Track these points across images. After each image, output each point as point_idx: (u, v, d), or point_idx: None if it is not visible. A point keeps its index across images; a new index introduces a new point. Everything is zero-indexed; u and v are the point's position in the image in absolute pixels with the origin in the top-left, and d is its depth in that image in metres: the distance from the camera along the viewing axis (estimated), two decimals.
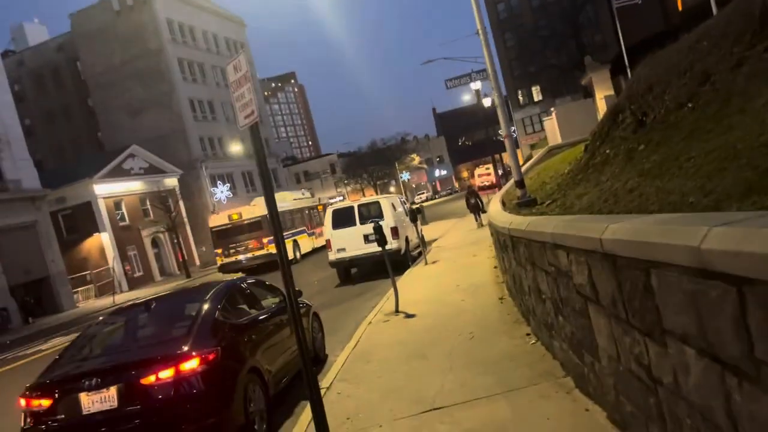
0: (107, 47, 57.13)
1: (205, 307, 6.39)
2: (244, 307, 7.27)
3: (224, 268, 29.67)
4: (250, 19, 74.24)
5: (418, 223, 18.94)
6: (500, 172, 41.22)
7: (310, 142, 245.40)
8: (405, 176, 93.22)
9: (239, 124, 4.56)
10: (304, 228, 33.54)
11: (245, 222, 29.50)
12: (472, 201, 25.27)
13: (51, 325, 29.82)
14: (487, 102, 33.56)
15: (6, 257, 34.21)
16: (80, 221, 44.61)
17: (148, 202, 48.03)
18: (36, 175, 38.76)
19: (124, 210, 46.59)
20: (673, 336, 2.66)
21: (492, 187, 52.99)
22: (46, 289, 37.78)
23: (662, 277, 2.62)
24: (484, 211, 24.62)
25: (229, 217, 30.30)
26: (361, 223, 17.12)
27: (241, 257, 29.26)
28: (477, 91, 29.38)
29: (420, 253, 18.87)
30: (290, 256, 29.91)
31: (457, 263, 15.41)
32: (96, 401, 5.29)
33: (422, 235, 19.62)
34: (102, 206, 44.42)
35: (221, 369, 5.67)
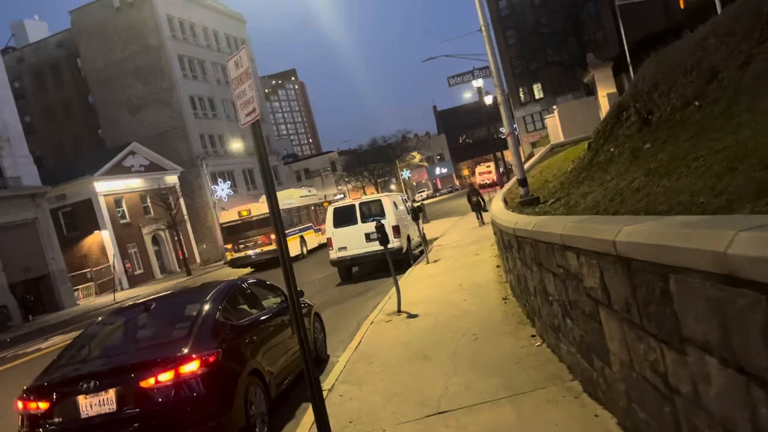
0: (107, 44, 57.00)
1: (206, 308, 6.29)
2: (245, 307, 7.17)
3: (234, 263, 30.72)
4: (250, 16, 74.11)
5: (420, 221, 18.83)
6: (501, 170, 41.07)
7: (310, 140, 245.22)
8: (406, 174, 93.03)
9: (240, 122, 4.45)
10: (311, 224, 33.97)
11: (254, 218, 30.28)
12: (474, 199, 25.15)
13: (51, 323, 29.76)
14: (488, 100, 33.44)
15: (6, 255, 34.12)
16: (80, 219, 44.55)
17: (148, 200, 47.97)
18: (36, 172, 38.66)
19: (124, 207, 46.53)
20: (693, 344, 2.55)
21: (493, 185, 52.86)
22: (46, 286, 37.69)
23: (682, 283, 2.51)
24: (486, 210, 24.52)
25: (239, 213, 31.03)
26: (363, 222, 17.02)
27: (250, 252, 30.04)
28: (479, 89, 29.24)
29: (421, 252, 18.77)
30: (297, 251, 30.73)
31: (459, 262, 15.29)
32: (94, 404, 5.19)
33: (424, 234, 19.50)
34: (102, 203, 44.34)
35: (222, 371, 5.57)
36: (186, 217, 51.56)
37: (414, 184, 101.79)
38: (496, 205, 12.33)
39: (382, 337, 9.05)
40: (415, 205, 21.77)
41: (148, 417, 5.14)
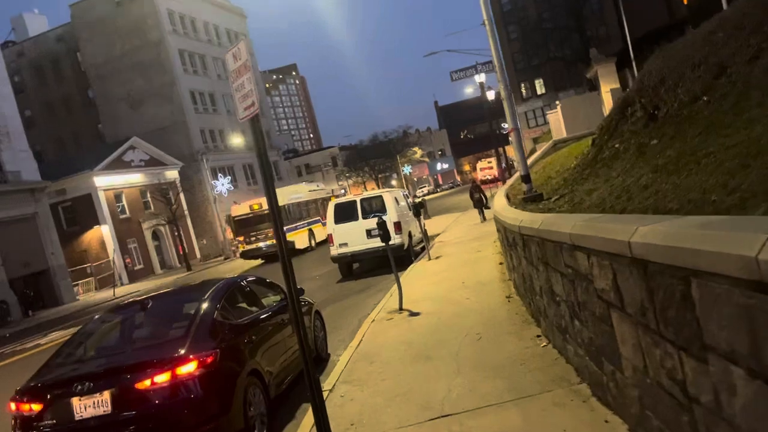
0: (107, 38, 56.74)
1: (204, 306, 6.14)
2: (244, 306, 7.03)
3: (245, 255, 31.73)
4: (251, 14, 73.75)
5: (421, 217, 18.69)
6: (503, 165, 40.90)
7: (311, 135, 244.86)
8: (407, 169, 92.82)
9: (239, 117, 4.30)
10: (319, 218, 34.41)
11: (265, 212, 30.62)
12: (477, 196, 25.02)
13: (51, 318, 29.68)
14: (490, 95, 33.24)
15: (5, 250, 34.00)
16: (80, 213, 44.43)
17: (148, 195, 47.85)
18: (36, 166, 38.51)
19: (124, 202, 46.41)
20: (716, 353, 2.41)
21: (494, 181, 52.72)
22: (45, 281, 37.59)
23: (706, 288, 2.37)
24: (488, 206, 24.37)
25: (250, 207, 31.83)
26: (364, 218, 16.88)
27: (261, 244, 30.80)
28: (481, 84, 29.04)
29: (423, 249, 18.63)
30: (306, 243, 31.75)
31: (462, 259, 15.15)
32: (89, 406, 5.05)
33: (425, 230, 19.36)
34: (102, 198, 44.21)
35: (220, 372, 5.43)
36: (186, 212, 51.41)
37: (415, 179, 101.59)
38: (498, 201, 12.18)
39: (383, 335, 8.91)
40: (417, 201, 21.61)
41: (144, 419, 5.01)
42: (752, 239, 1.99)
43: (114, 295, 35.52)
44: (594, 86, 32.09)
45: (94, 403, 5.04)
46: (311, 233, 32.62)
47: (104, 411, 5.01)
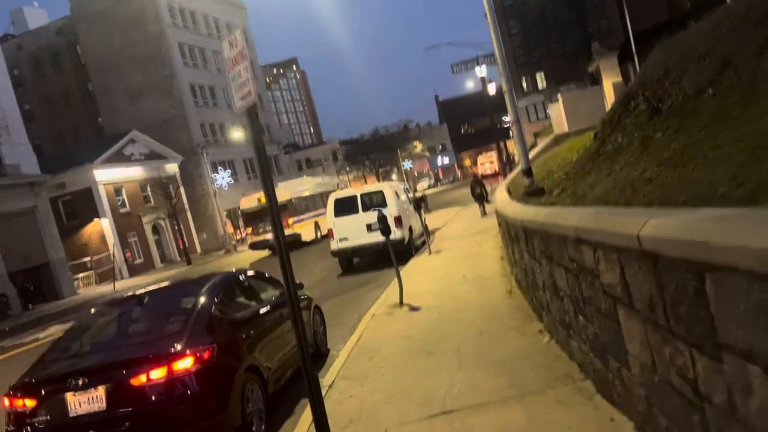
0: (107, 31, 56.53)
1: (201, 301, 6.03)
2: (243, 300, 6.93)
3: (254, 246, 32.58)
4: (251, 4, 73.43)
5: (422, 211, 18.57)
6: (504, 160, 40.75)
7: (311, 129, 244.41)
8: (407, 164, 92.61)
9: (235, 106, 4.19)
10: (324, 210, 34.56)
11: None
12: (477, 190, 24.93)
13: (50, 312, 29.62)
14: (491, 89, 33.08)
15: (5, 243, 33.91)
16: (80, 207, 44.31)
17: (148, 189, 47.71)
18: (35, 160, 38.39)
19: (124, 196, 46.28)
20: (731, 351, 2.30)
21: (495, 176, 52.60)
22: (45, 275, 37.52)
23: (721, 284, 2.26)
24: (489, 201, 24.27)
25: (258, 200, 32.45)
26: (364, 212, 16.76)
27: (269, 236, 31.20)
28: (482, 78, 28.88)
29: (423, 243, 18.53)
30: (312, 235, 32.53)
31: (462, 253, 15.05)
32: (83, 402, 4.95)
33: (426, 224, 19.26)
34: (102, 192, 44.08)
35: (217, 368, 5.33)
36: (186, 206, 51.32)
37: (415, 174, 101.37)
38: (500, 195, 12.08)
39: (383, 330, 8.82)
40: (417, 195, 21.50)
41: (139, 416, 4.91)
42: None
43: (114, 289, 35.47)
44: (596, 80, 31.93)
45: (88, 399, 4.94)
46: (317, 225, 33.17)
47: (99, 407, 4.92)
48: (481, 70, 25.20)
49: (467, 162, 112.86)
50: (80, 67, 60.33)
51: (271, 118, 78.58)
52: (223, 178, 51.88)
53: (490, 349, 6.62)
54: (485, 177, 51.76)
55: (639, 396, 3.59)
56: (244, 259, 35.04)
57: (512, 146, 55.58)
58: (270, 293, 7.70)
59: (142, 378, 4.96)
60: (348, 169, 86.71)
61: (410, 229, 18.03)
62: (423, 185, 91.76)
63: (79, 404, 4.95)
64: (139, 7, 55.74)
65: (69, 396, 4.98)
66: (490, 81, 32.25)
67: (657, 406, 3.32)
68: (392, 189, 17.72)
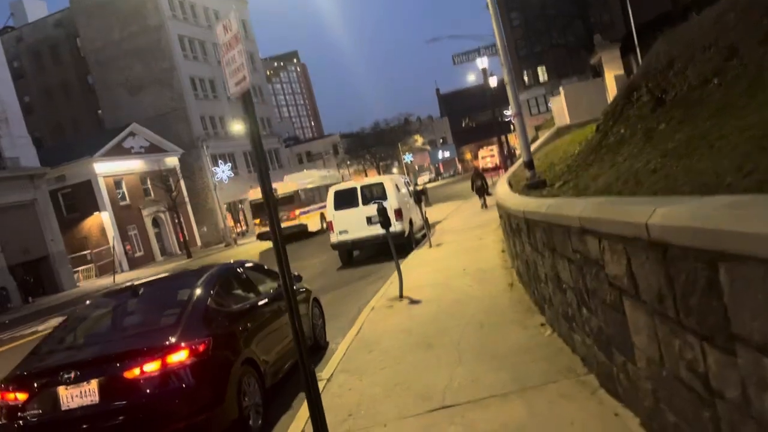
0: (107, 23, 56.27)
1: (197, 293, 5.92)
2: (240, 292, 6.82)
3: (262, 236, 33.25)
4: (252, 7, 72.98)
5: (422, 204, 18.45)
6: (505, 153, 40.60)
7: (312, 123, 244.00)
8: (408, 158, 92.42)
9: (229, 92, 4.07)
10: None
11: (280, 196, 32.09)
12: (478, 183, 24.82)
13: (50, 305, 29.59)
14: (493, 81, 32.89)
15: (5, 236, 33.85)
16: (80, 200, 44.22)
17: (148, 181, 47.59)
18: (35, 153, 38.28)
19: (124, 189, 46.18)
20: (746, 344, 2.19)
21: (496, 169, 52.44)
22: (45, 268, 37.47)
23: (736, 273, 2.14)
24: (489, 194, 24.15)
25: None
26: (364, 205, 16.64)
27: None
28: (484, 70, 28.69)
29: (424, 236, 18.41)
30: (318, 226, 33.31)
31: (463, 246, 14.94)
32: (75, 396, 4.85)
33: (426, 218, 19.14)
34: (102, 185, 43.99)
35: (212, 361, 5.23)
36: (186, 199, 51.22)
37: (416, 167, 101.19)
38: (501, 188, 11.95)
39: (383, 323, 8.72)
40: (418, 188, 21.38)
41: (133, 410, 4.81)
42: None
43: (114, 281, 35.39)
44: (598, 73, 31.71)
45: (81, 393, 4.84)
46: (322, 216, 33.65)
47: (91, 401, 4.82)
48: (483, 62, 25.01)
49: (468, 156, 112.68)
50: (80, 60, 60.11)
51: (271, 112, 78.33)
52: (223, 171, 51.74)
53: (490, 343, 6.51)
54: (486, 170, 51.56)
55: (645, 390, 3.48)
56: (244, 252, 35.00)
57: (513, 140, 55.44)
58: (268, 285, 7.59)
59: (136, 371, 4.86)
60: (349, 162, 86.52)
61: (410, 222, 17.91)
62: (424, 179, 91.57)
63: (72, 398, 4.85)
64: (138, 0, 55.48)
65: (61, 389, 4.88)
66: (492, 74, 32.08)
67: (665, 401, 3.21)
68: (392, 181, 17.59)
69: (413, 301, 9.74)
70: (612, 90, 23.73)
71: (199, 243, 52.79)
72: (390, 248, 11.04)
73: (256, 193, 34.21)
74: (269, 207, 4.16)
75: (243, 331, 6.03)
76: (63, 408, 4.86)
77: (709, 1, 10.56)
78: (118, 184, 45.73)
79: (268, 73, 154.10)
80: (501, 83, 28.43)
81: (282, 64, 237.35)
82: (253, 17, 76.45)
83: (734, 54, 7.91)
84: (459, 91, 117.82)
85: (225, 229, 49.00)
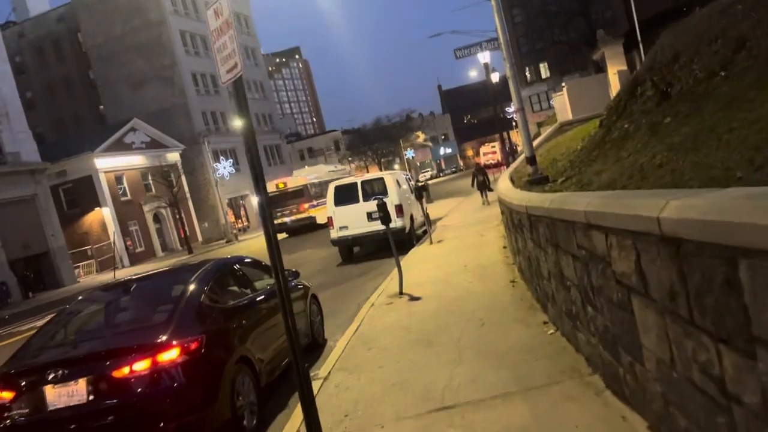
0: (108, 18, 56.08)
1: (190, 289, 5.76)
2: (236, 289, 6.66)
3: None
4: (254, 5, 72.70)
5: (423, 201, 18.29)
6: (507, 149, 40.42)
7: (314, 119, 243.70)
8: (409, 154, 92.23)
9: (221, 80, 3.91)
10: None
11: (290, 190, 33.57)
12: (480, 179, 24.68)
13: (51, 300, 29.48)
14: (495, 77, 32.69)
15: (5, 231, 33.76)
16: (81, 195, 44.12)
17: (149, 177, 47.46)
18: (35, 148, 38.17)
19: (125, 184, 46.07)
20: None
21: (497, 166, 52.24)
22: (46, 263, 37.39)
23: (759, 270, 1.98)
24: (491, 190, 23.99)
25: (276, 186, 34.31)
26: (365, 200, 16.47)
27: (286, 219, 32.95)
28: (486, 65, 28.50)
29: (425, 232, 18.26)
30: (325, 219, 32.87)
31: (464, 243, 14.78)
32: (63, 395, 4.70)
33: (427, 214, 18.98)
34: (103, 180, 43.87)
35: (205, 359, 5.07)
36: (188, 195, 51.07)
37: (418, 164, 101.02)
38: (503, 184, 11.79)
39: (382, 320, 8.56)
40: (419, 184, 21.21)
41: (122, 409, 4.66)
42: None
43: (114, 277, 35.30)
44: (600, 69, 31.54)
45: (68, 392, 4.69)
46: None
47: (79, 400, 4.66)
48: (485, 56, 24.84)
49: (470, 152, 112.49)
50: (81, 55, 59.97)
51: (273, 108, 78.08)
52: (224, 167, 51.58)
53: (491, 341, 6.35)
54: (488, 167, 51.39)
55: (654, 393, 3.32)
56: (245, 247, 34.88)
57: (515, 136, 55.23)
58: (266, 281, 7.42)
59: (125, 370, 4.70)
60: (350, 158, 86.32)
61: (411, 218, 17.76)
62: (425, 175, 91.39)
63: (59, 397, 4.70)
64: None
65: (48, 388, 4.72)
66: (494, 69, 31.87)
67: (675, 404, 3.04)
68: (393, 177, 17.44)
69: (413, 298, 9.59)
70: (615, 85, 23.56)
71: (200, 239, 52.65)
72: (390, 245, 10.89)
73: (269, 187, 34.76)
74: (260, 196, 3.99)
75: (238, 328, 5.87)
76: (50, 408, 4.70)
77: None
78: (119, 179, 45.61)
79: (270, 69, 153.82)
80: (503, 80, 28.26)
81: (284, 60, 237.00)
82: (255, 13, 76.22)
83: (742, 46, 7.75)
84: (461, 87, 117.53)
85: (226, 224, 48.88)
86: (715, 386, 2.51)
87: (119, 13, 55.87)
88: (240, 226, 57.63)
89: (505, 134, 39.56)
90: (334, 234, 17.08)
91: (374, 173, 19.69)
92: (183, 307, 5.42)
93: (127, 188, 46.12)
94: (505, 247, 12.11)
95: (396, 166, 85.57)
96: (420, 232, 18.87)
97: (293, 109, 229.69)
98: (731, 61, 7.64)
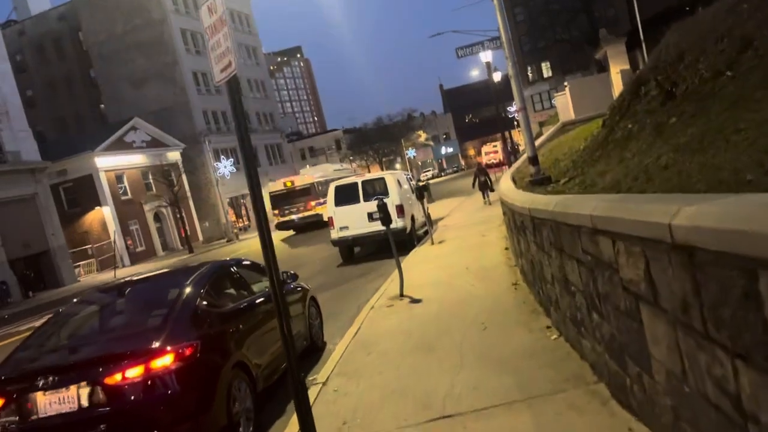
0: (109, 17, 55.99)
1: (186, 292, 5.63)
2: (233, 292, 6.53)
3: (280, 226, 34.05)
4: (254, 5, 72.46)
5: (425, 201, 18.16)
6: (509, 149, 40.26)
7: (315, 118, 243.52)
8: (411, 153, 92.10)
9: (215, 79, 3.79)
10: None
11: (297, 188, 33.96)
12: (482, 179, 24.54)
13: (51, 300, 29.39)
14: (497, 76, 32.56)
15: (5, 230, 33.67)
16: (81, 194, 44.02)
17: (150, 176, 47.35)
18: (36, 146, 38.07)
19: (126, 183, 45.97)
20: None
21: (499, 165, 52.06)
22: (46, 262, 37.30)
23: None
24: (492, 190, 23.86)
25: (284, 184, 34.87)
26: (365, 201, 16.34)
27: (294, 217, 33.49)
28: (487, 64, 28.36)
29: (426, 233, 18.13)
30: None
31: (466, 243, 14.65)
32: (54, 402, 4.58)
33: (428, 214, 18.85)
34: (103, 179, 43.78)
35: (200, 365, 4.94)
36: (188, 194, 50.96)
37: (419, 163, 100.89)
38: (505, 184, 11.65)
39: (382, 323, 8.44)
40: (420, 184, 21.08)
41: (115, 417, 4.53)
42: None
43: (115, 276, 35.20)
44: (602, 68, 31.39)
45: (59, 400, 4.57)
46: None
47: (71, 408, 4.54)
48: (487, 55, 24.71)
49: (471, 152, 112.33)
50: (83, 53, 59.88)
51: (274, 107, 77.94)
52: (225, 166, 51.49)
53: (494, 346, 6.22)
54: (489, 167, 51.26)
55: (664, 406, 3.19)
56: (246, 247, 34.80)
57: (517, 136, 55.04)
58: (264, 284, 7.29)
59: (118, 376, 4.57)
60: (352, 158, 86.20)
61: (412, 219, 17.63)
62: (427, 175, 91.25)
63: (50, 404, 4.58)
64: None
65: (39, 396, 4.60)
66: (495, 69, 31.74)
67: (686, 419, 2.91)
68: (394, 177, 17.31)
69: (414, 300, 9.46)
70: (617, 85, 23.41)
71: (201, 238, 52.56)
72: (391, 245, 10.77)
73: (275, 186, 35.58)
74: (254, 197, 3.87)
75: (234, 332, 5.75)
76: (40, 415, 4.58)
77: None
78: (119, 178, 45.52)
79: (271, 68, 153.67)
80: (504, 79, 28.16)
81: (285, 59, 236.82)
82: (256, 12, 76.09)
83: (749, 45, 7.61)
84: (462, 86, 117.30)
85: (227, 224, 48.79)
86: (730, 403, 2.38)
87: (120, 12, 55.77)
88: (241, 225, 57.54)
89: (506, 134, 39.39)
90: (335, 234, 16.96)
91: (375, 173, 19.55)
92: (178, 311, 5.30)
93: (127, 187, 46.03)
94: (507, 248, 11.99)
95: (397, 166, 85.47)
96: (421, 232, 18.74)
97: (294, 108, 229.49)
98: (737, 61, 7.51)
